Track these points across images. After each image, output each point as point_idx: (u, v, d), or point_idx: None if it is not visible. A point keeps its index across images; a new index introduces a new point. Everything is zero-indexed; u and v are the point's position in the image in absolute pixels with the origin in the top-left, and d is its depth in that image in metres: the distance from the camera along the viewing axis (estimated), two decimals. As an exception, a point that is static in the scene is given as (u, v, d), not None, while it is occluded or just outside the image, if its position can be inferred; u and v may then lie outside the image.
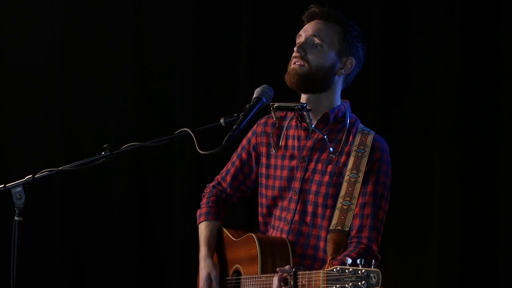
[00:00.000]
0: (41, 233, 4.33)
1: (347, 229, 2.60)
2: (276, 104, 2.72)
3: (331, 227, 2.62)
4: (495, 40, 3.85)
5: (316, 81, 2.75)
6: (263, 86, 2.70)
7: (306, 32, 2.79)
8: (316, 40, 2.76)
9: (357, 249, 2.65)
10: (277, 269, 2.56)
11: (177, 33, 4.37)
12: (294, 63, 2.76)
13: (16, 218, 2.57)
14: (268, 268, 2.67)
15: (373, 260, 2.28)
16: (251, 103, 2.64)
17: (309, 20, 2.83)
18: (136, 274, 4.39)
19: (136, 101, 4.40)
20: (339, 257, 2.60)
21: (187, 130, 2.63)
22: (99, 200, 4.40)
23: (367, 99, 4.01)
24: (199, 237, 2.99)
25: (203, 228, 2.99)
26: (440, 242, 3.90)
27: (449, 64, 3.92)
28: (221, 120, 2.63)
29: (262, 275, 2.66)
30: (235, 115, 2.61)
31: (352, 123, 2.80)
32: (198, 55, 4.34)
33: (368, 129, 2.79)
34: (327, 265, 2.44)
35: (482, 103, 3.90)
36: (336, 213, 2.64)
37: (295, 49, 2.78)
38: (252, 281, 2.71)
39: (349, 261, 2.30)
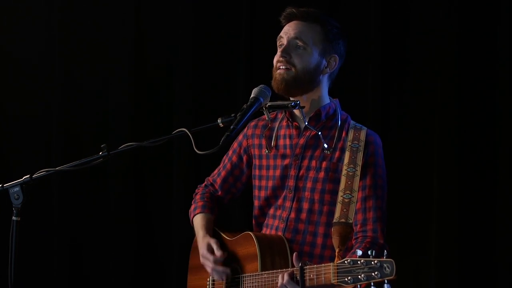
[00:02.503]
0: (39, 233, 4.33)
1: (350, 221, 2.60)
2: (268, 104, 2.73)
3: (334, 220, 2.62)
4: (494, 40, 3.85)
5: (303, 84, 2.76)
6: (260, 86, 2.70)
7: (287, 34, 2.79)
8: (299, 43, 2.76)
9: (364, 244, 2.67)
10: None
11: (177, 33, 4.37)
12: (279, 67, 2.77)
13: (14, 218, 2.57)
14: (267, 265, 2.67)
15: (385, 251, 2.28)
16: (248, 103, 2.65)
17: (288, 21, 2.83)
18: (134, 274, 4.39)
19: (135, 101, 4.40)
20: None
21: (184, 130, 2.63)
22: (97, 200, 4.41)
23: (366, 99, 4.00)
24: (195, 226, 2.98)
25: (199, 219, 2.99)
26: (439, 242, 3.90)
27: (448, 64, 3.91)
28: (219, 120, 2.64)
29: (263, 272, 2.66)
30: (233, 115, 2.61)
31: (343, 119, 2.82)
32: (198, 55, 4.35)
33: (360, 125, 2.81)
34: (336, 257, 2.43)
35: (481, 103, 3.89)
36: (338, 206, 2.64)
37: (278, 53, 2.78)
38: (253, 278, 2.71)
39: (359, 253, 2.29)
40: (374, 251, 2.27)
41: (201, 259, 2.85)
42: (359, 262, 2.28)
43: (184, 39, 4.36)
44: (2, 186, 2.60)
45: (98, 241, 4.41)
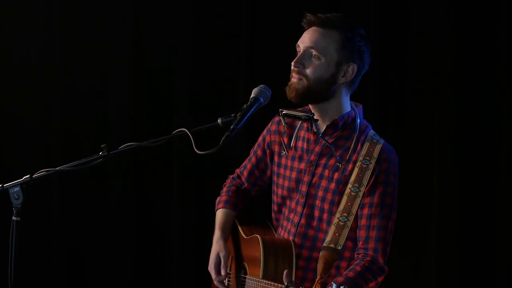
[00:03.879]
0: (39, 233, 4.33)
1: (339, 247, 2.59)
2: (284, 112, 2.76)
3: (324, 244, 2.61)
4: (494, 40, 3.85)
5: (316, 94, 2.72)
6: (260, 86, 2.70)
7: (304, 43, 2.73)
8: (314, 52, 2.71)
9: (363, 262, 2.66)
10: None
11: (177, 33, 4.37)
12: (293, 77, 2.74)
13: (14, 218, 2.56)
14: (270, 271, 2.69)
15: (378, 276, 2.31)
16: (248, 103, 2.65)
17: (308, 27, 2.77)
18: (134, 274, 4.39)
19: (135, 101, 4.40)
20: (335, 275, 2.63)
21: (184, 130, 2.62)
22: (97, 200, 4.40)
23: (366, 99, 3.99)
24: (215, 223, 3.01)
25: (220, 214, 3.01)
26: (439, 242, 3.90)
27: (448, 64, 3.91)
28: (219, 120, 2.63)
29: (262, 280, 2.68)
30: (233, 115, 2.61)
31: (362, 130, 2.76)
32: (198, 55, 4.35)
33: (378, 138, 2.75)
34: (314, 285, 2.44)
35: (481, 103, 3.89)
36: (332, 228, 2.64)
37: (292, 63, 2.74)
38: (254, 283, 2.74)
39: (334, 286, 2.31)
40: (346, 287, 2.28)
41: (208, 267, 2.90)
42: None
43: (184, 39, 4.36)
44: (2, 186, 2.59)
45: (98, 241, 4.41)
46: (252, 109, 2.63)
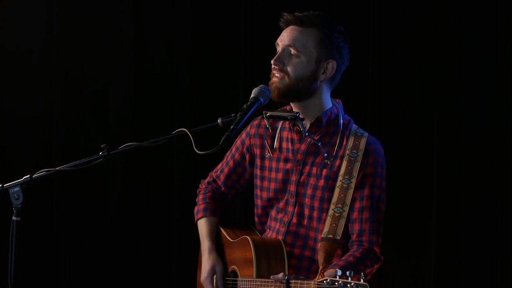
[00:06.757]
0: (39, 233, 4.33)
1: (338, 237, 2.61)
2: (268, 113, 2.76)
3: (322, 235, 2.64)
4: (493, 40, 3.85)
5: (297, 91, 2.73)
6: (260, 86, 2.70)
7: (282, 42, 2.75)
8: (293, 50, 2.72)
9: (360, 249, 2.67)
10: (271, 276, 2.59)
11: (177, 33, 4.37)
12: (274, 75, 2.75)
13: (14, 218, 2.57)
14: (263, 271, 2.69)
15: (374, 263, 2.30)
16: (248, 103, 2.65)
17: (286, 26, 2.78)
18: (134, 274, 4.39)
19: (135, 101, 4.40)
20: (335, 262, 2.62)
21: (184, 130, 2.63)
22: (97, 200, 4.40)
23: (365, 99, 4.00)
24: (200, 232, 3.00)
25: (203, 224, 3.00)
26: (439, 242, 3.90)
27: (448, 64, 3.91)
28: (219, 120, 2.63)
29: (257, 279, 2.68)
30: (233, 115, 2.62)
31: (345, 125, 2.78)
32: (197, 55, 4.35)
33: (362, 131, 2.77)
34: (318, 275, 2.45)
35: (481, 102, 3.89)
36: (328, 220, 2.65)
37: (272, 61, 2.76)
38: (248, 283, 2.73)
39: (339, 272, 2.31)
40: (352, 272, 2.28)
41: (202, 279, 2.89)
42: (336, 283, 2.30)
43: (184, 39, 4.36)
44: (2, 186, 2.59)
45: (98, 241, 4.41)
46: (252, 109, 2.64)
